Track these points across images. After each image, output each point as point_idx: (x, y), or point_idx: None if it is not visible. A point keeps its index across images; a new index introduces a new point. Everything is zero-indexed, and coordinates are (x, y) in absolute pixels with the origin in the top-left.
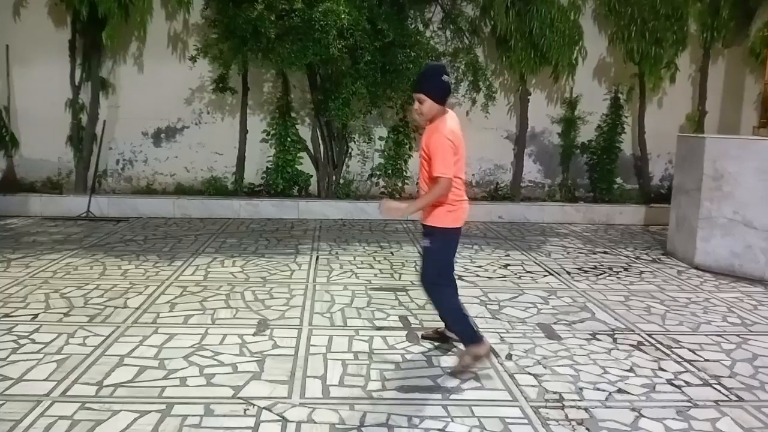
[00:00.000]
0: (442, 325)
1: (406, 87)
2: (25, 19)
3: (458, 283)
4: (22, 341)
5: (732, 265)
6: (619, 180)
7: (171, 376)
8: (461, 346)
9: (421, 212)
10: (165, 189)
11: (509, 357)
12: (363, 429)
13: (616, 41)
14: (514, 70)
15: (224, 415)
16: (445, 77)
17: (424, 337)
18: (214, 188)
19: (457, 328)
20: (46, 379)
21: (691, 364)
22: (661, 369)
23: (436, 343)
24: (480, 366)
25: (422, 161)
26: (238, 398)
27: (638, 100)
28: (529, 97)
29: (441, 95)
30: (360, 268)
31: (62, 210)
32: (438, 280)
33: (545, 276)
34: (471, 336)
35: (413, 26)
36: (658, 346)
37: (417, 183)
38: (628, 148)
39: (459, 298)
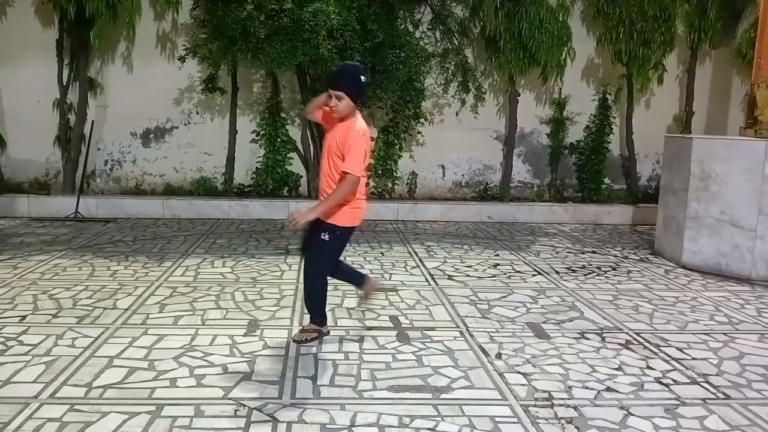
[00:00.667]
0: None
1: (395, 87)
2: (11, 18)
3: (449, 282)
4: (9, 343)
5: (719, 264)
6: (607, 180)
7: (161, 378)
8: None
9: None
10: (154, 189)
11: (499, 356)
12: (354, 429)
13: (605, 42)
14: (504, 70)
15: (215, 416)
16: (363, 78)
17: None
18: (203, 189)
19: (310, 305)
20: (34, 381)
21: (678, 363)
22: (649, 367)
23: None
24: (311, 341)
25: (329, 159)
26: (229, 399)
27: (626, 100)
28: (518, 97)
29: (358, 95)
30: None
31: (50, 211)
32: (323, 274)
33: (534, 275)
34: (320, 315)
35: (403, 27)
36: (646, 344)
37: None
38: (616, 149)
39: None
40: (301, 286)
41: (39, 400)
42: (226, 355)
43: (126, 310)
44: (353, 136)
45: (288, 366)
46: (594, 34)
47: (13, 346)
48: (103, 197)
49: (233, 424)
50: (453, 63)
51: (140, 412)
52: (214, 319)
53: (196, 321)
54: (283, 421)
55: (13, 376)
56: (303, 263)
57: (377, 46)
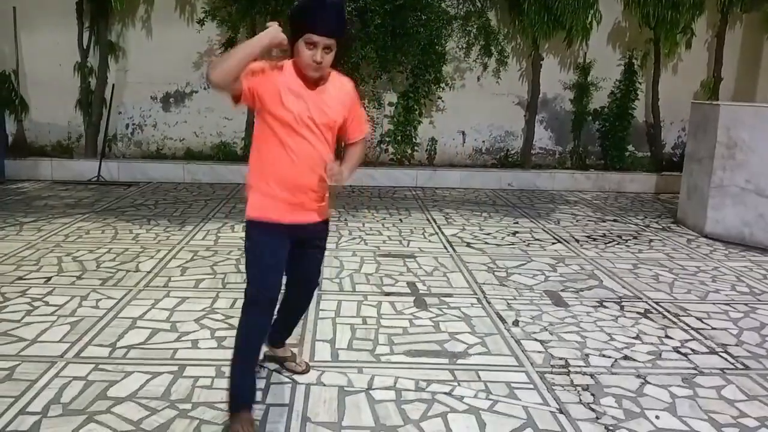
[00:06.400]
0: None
1: (416, 51)
2: None
3: (467, 250)
4: (35, 303)
5: (743, 234)
6: (630, 147)
7: (183, 339)
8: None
9: (320, 204)
10: (174, 154)
11: (516, 323)
12: (371, 392)
13: (632, 5)
14: (527, 34)
15: None
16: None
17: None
18: (223, 153)
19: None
20: (60, 341)
21: (698, 333)
22: (667, 337)
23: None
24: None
25: (323, 135)
26: None
27: (653, 66)
28: (541, 62)
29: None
30: (369, 234)
31: (73, 174)
32: None
33: (554, 244)
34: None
35: None
36: (666, 314)
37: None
38: (641, 115)
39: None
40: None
41: (65, 359)
42: None
43: (148, 272)
44: (355, 92)
45: (307, 329)
46: None
47: (39, 307)
48: (124, 161)
49: None
50: (475, 26)
51: (163, 372)
52: (234, 282)
53: (217, 284)
54: (301, 383)
55: (39, 336)
56: (305, 288)
57: (398, 9)
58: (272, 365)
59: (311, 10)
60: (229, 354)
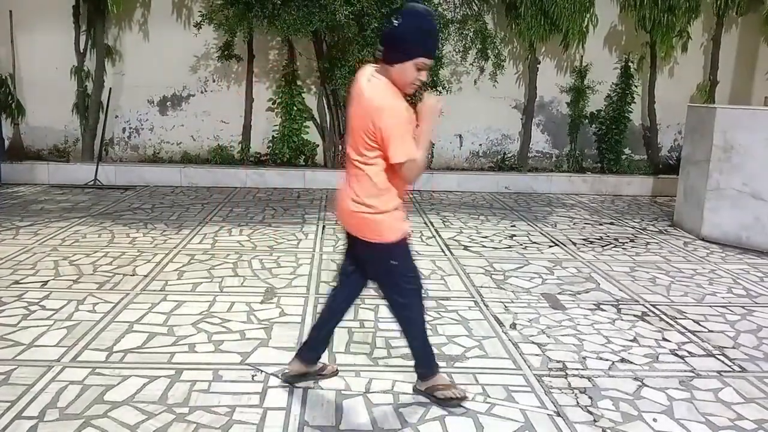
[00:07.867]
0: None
1: None
2: None
3: (464, 253)
4: (32, 308)
5: (739, 236)
6: (627, 150)
7: (180, 343)
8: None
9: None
10: (171, 158)
11: (513, 326)
12: (368, 395)
13: (628, 8)
14: (524, 37)
15: (232, 381)
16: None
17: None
18: (220, 157)
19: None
20: (56, 345)
21: (694, 335)
22: (664, 339)
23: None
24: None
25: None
26: (246, 364)
27: (649, 69)
28: (538, 65)
29: None
30: None
31: (69, 178)
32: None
33: (551, 247)
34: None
35: None
36: (663, 316)
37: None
38: (637, 119)
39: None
40: (318, 254)
41: (61, 363)
42: (244, 322)
43: (145, 276)
44: None
45: (304, 333)
46: (617, 0)
47: (35, 311)
48: (121, 165)
49: (251, 388)
50: (472, 29)
51: (160, 376)
52: (231, 286)
53: (214, 288)
54: (299, 387)
55: (36, 340)
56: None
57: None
58: (270, 369)
59: (431, 35)
60: (226, 357)
